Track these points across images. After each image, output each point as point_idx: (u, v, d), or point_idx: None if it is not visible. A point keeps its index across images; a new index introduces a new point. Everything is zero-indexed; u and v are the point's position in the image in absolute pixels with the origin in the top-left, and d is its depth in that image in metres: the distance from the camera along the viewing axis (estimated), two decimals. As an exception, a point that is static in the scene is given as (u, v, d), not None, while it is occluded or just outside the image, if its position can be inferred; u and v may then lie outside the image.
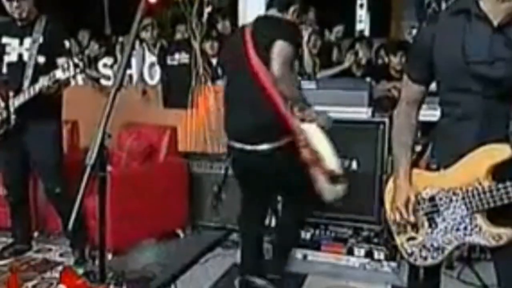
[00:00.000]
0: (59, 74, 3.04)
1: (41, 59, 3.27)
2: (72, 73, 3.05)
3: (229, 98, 3.05)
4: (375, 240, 3.72)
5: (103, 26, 6.40)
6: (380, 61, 4.97)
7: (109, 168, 4.24)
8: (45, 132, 3.37)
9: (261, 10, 4.54)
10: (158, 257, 3.86)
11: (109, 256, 3.66)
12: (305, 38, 4.50)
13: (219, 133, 4.88)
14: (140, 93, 5.20)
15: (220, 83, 4.96)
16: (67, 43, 3.32)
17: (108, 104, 1.84)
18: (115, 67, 5.28)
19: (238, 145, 2.96)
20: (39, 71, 3.21)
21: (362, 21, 8.60)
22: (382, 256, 3.61)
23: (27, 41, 3.27)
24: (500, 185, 1.69)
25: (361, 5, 8.63)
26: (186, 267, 3.74)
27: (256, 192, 3.18)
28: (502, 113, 1.69)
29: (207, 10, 8.00)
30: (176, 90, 4.94)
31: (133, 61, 5.27)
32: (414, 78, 1.92)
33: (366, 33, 8.39)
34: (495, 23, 1.67)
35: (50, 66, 3.20)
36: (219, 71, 4.99)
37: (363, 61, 4.99)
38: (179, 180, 4.27)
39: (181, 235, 4.29)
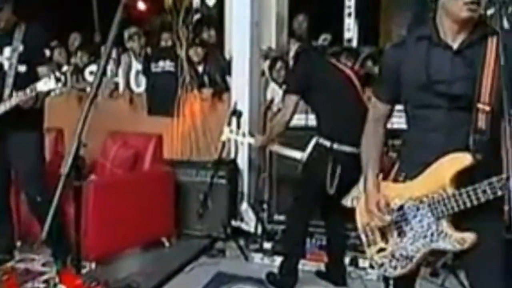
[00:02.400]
0: (40, 86, 3.01)
1: (22, 68, 3.23)
2: (53, 86, 3.01)
3: None
4: (360, 248, 3.71)
5: (93, 32, 6.40)
6: (365, 70, 4.99)
7: (92, 176, 4.25)
8: (26, 141, 3.34)
9: (246, 20, 4.59)
10: (143, 266, 3.85)
11: (93, 265, 3.63)
12: (292, 53, 4.50)
13: (205, 140, 4.89)
14: (126, 102, 5.18)
15: (206, 91, 4.97)
16: (47, 52, 3.29)
17: (83, 113, 1.83)
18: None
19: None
20: (20, 80, 3.18)
21: (350, 30, 8.65)
22: (367, 264, 3.61)
23: (7, 50, 3.23)
24: (463, 190, 1.77)
25: (349, 14, 8.67)
26: (171, 276, 3.73)
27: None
28: (464, 124, 1.80)
29: (196, 17, 8.05)
30: (162, 97, 4.94)
31: (120, 70, 5.26)
32: (383, 98, 2.07)
33: (354, 41, 8.42)
34: (455, 47, 1.83)
35: (32, 75, 3.18)
36: (205, 78, 5.01)
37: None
38: (164, 188, 4.24)
39: (166, 243, 4.27)
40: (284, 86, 4.46)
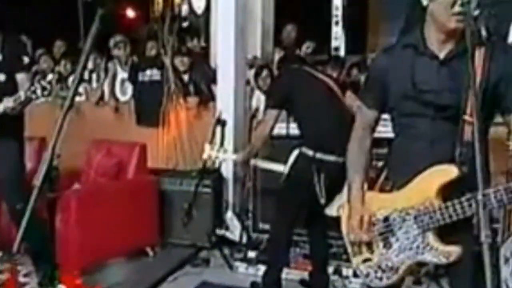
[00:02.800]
0: (24, 95, 2.99)
1: (1, 77, 3.22)
2: (39, 95, 3.00)
3: None
4: (344, 256, 3.72)
5: (78, 40, 6.38)
6: (351, 79, 5.02)
7: (76, 185, 4.22)
8: (5, 148, 3.31)
9: (231, 28, 4.60)
10: (127, 276, 3.83)
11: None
12: (276, 60, 4.54)
13: (190, 149, 4.88)
14: (112, 110, 5.17)
15: (192, 100, 4.97)
16: (25, 59, 3.28)
17: (57, 125, 1.81)
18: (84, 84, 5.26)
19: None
20: (0, 89, 3.17)
21: (338, 38, 8.69)
22: (350, 273, 3.61)
23: None
24: (449, 203, 1.75)
25: (336, 22, 8.72)
26: (155, 285, 3.71)
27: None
28: (449, 134, 1.78)
29: (184, 25, 8.06)
30: (148, 106, 4.93)
31: (105, 78, 5.25)
32: (369, 105, 2.04)
33: (342, 50, 8.46)
34: (441, 57, 1.82)
35: (11, 83, 3.16)
36: (191, 87, 5.01)
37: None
38: (148, 197, 4.22)
39: (150, 253, 4.24)
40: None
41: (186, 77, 5.00)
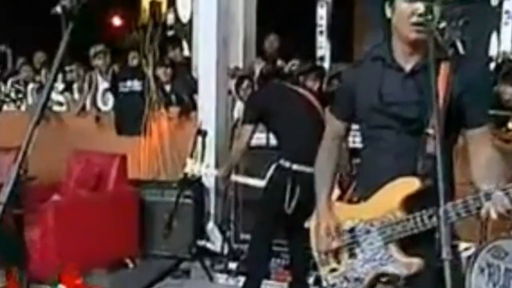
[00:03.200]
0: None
1: None
2: (18, 103, 3.00)
3: None
4: (324, 267, 3.72)
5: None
6: (331, 89, 5.03)
7: (55, 196, 4.19)
8: None
9: (212, 38, 4.61)
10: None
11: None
12: (257, 73, 4.58)
13: (172, 159, 4.87)
14: (93, 120, 5.14)
15: (173, 110, 4.96)
16: None
17: (25, 139, 1.79)
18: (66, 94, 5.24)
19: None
20: None
21: (323, 48, 8.73)
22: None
23: None
24: (410, 216, 1.77)
25: (321, 32, 8.76)
26: (135, 297, 3.69)
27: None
28: (414, 148, 1.79)
29: (170, 33, 8.07)
30: (129, 117, 4.91)
31: (85, 87, 5.23)
32: (338, 115, 2.05)
33: (327, 59, 8.50)
34: (407, 69, 1.82)
35: None
36: (173, 97, 5.00)
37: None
38: (128, 209, 4.21)
39: (130, 265, 4.21)
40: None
41: (168, 87, 4.99)
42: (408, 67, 1.81)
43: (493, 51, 7.11)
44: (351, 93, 1.94)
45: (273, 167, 3.35)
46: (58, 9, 1.85)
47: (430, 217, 1.72)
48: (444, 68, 1.77)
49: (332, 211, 2.01)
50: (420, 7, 1.69)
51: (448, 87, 1.75)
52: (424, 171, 1.75)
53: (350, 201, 2.01)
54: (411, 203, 1.78)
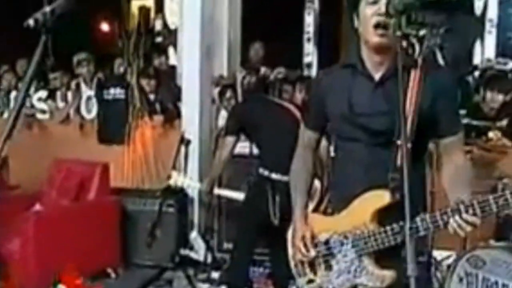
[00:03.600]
0: None
1: None
2: (1, 110, 2.97)
3: None
4: (306, 277, 3.71)
5: (45, 57, 6.31)
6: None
7: (37, 207, 4.16)
8: None
9: (196, 47, 4.60)
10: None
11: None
12: (238, 80, 4.60)
13: (156, 168, 4.85)
14: (77, 128, 5.12)
15: (157, 118, 4.94)
16: None
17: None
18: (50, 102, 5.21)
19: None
20: None
21: (310, 55, 8.75)
22: (312, 293, 3.60)
23: None
24: (381, 229, 1.77)
25: (308, 39, 8.78)
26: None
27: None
28: (384, 160, 1.76)
29: (158, 39, 8.03)
30: (113, 125, 4.89)
31: (69, 95, 5.20)
32: (309, 125, 2.03)
33: (314, 67, 8.51)
34: (376, 78, 1.78)
35: None
36: (157, 105, 4.99)
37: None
38: (110, 218, 4.17)
39: (112, 274, 4.18)
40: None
41: (152, 96, 4.98)
42: (377, 76, 1.78)
43: (477, 59, 7.22)
44: (321, 102, 1.91)
45: (252, 176, 3.37)
46: (31, 22, 1.83)
47: (399, 232, 1.72)
48: (414, 76, 1.75)
49: (308, 221, 2.00)
50: (381, 7, 1.67)
51: (418, 96, 1.73)
52: (394, 184, 1.73)
53: (325, 212, 2.02)
54: (383, 216, 1.78)
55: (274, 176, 3.20)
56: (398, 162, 1.73)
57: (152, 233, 4.28)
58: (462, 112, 3.67)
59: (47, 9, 2.02)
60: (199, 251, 4.43)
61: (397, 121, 1.70)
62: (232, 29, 5.08)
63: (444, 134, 1.81)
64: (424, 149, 1.88)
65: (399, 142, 1.72)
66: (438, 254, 3.62)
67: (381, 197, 1.76)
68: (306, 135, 2.05)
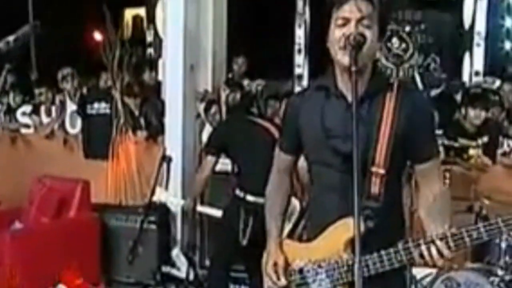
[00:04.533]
0: None
1: None
2: None
3: None
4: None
5: (29, 71, 6.31)
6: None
7: (17, 224, 4.14)
8: None
9: (179, 62, 4.59)
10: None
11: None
12: (223, 97, 4.63)
13: (139, 183, 4.83)
14: (60, 143, 5.11)
15: (140, 134, 4.93)
16: None
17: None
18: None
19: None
20: None
21: (300, 66, 8.76)
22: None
23: None
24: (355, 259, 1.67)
25: (299, 50, 8.79)
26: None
27: None
28: (359, 187, 1.66)
29: (150, 50, 7.98)
30: (96, 140, 4.88)
31: (53, 110, 5.20)
32: (284, 148, 1.96)
33: (305, 78, 8.51)
34: (350, 99, 1.71)
35: None
36: (141, 120, 4.98)
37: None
38: (90, 236, 4.15)
39: (93, 292, 4.15)
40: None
41: (136, 111, 4.96)
42: (351, 97, 1.69)
43: (465, 71, 7.25)
44: (295, 125, 1.85)
45: (229, 196, 3.38)
46: (-7, 51, 1.83)
47: (374, 263, 1.68)
48: (389, 99, 1.71)
49: (282, 248, 1.94)
50: (351, 28, 1.63)
51: (393, 120, 1.69)
52: (367, 213, 1.67)
53: (300, 239, 1.96)
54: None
55: (249, 198, 3.20)
56: (372, 190, 1.69)
57: (133, 250, 4.26)
58: (439, 132, 3.68)
59: (10, 38, 2.01)
60: (181, 268, 4.39)
61: (370, 146, 1.68)
62: (217, 43, 5.07)
63: (419, 159, 1.76)
64: (399, 176, 1.82)
65: (373, 169, 1.69)
66: (417, 272, 3.61)
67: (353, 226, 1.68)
68: (280, 158, 1.98)
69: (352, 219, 1.64)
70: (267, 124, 3.53)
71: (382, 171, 1.69)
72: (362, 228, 1.65)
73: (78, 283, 3.53)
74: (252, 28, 7.68)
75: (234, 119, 3.78)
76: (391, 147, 1.68)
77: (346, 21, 1.65)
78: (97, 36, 8.92)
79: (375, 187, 1.69)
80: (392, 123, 1.68)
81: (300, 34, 8.38)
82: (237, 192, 3.29)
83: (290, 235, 2.04)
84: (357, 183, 1.54)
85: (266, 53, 7.43)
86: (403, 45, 6.21)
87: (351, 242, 1.70)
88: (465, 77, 7.23)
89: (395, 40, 6.24)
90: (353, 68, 1.59)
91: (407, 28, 6.28)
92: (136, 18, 11.06)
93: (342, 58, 1.65)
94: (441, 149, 3.74)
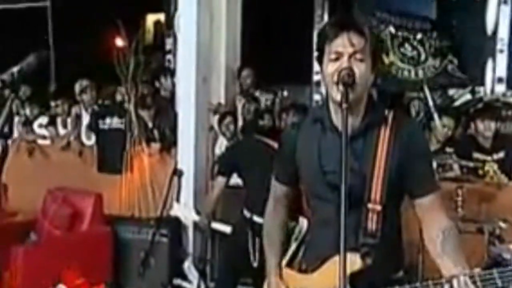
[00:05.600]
0: None
1: None
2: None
3: None
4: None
5: (47, 83, 6.42)
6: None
7: (32, 235, 4.22)
8: None
9: (191, 75, 4.60)
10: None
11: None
12: (239, 108, 4.65)
13: (153, 195, 4.86)
14: (76, 154, 5.18)
15: (154, 145, 4.96)
16: None
17: None
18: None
19: None
20: None
21: (319, 72, 8.69)
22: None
23: None
24: None
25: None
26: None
27: None
28: (354, 224, 1.66)
29: (169, 57, 7.97)
30: (109, 154, 4.94)
31: (69, 122, 5.28)
32: (280, 179, 1.94)
33: (323, 84, 8.45)
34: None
35: None
36: (155, 132, 5.01)
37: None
38: (103, 248, 4.19)
39: (104, 304, 4.19)
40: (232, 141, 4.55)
41: (150, 123, 5.00)
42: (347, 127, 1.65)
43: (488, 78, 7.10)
44: (291, 157, 1.83)
45: (237, 216, 3.40)
46: (-2, 83, 1.86)
47: None
48: (383, 133, 1.68)
49: (282, 279, 1.92)
50: (343, 63, 1.61)
51: (388, 155, 1.66)
52: (365, 250, 1.65)
53: (300, 268, 1.91)
54: (354, 280, 1.66)
55: (256, 219, 3.20)
56: (369, 226, 1.66)
57: (145, 262, 4.29)
58: (451, 150, 3.60)
59: (14, 69, 2.03)
60: (192, 280, 4.41)
61: (366, 181, 1.66)
62: (230, 55, 5.06)
63: (419, 193, 1.71)
64: (397, 212, 1.78)
65: (370, 205, 1.66)
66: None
67: (352, 262, 1.65)
68: (277, 188, 1.96)
69: (350, 255, 1.62)
70: (276, 144, 3.52)
71: (378, 207, 1.66)
72: (360, 265, 1.66)
73: (78, 283, 3.55)
74: (267, 36, 7.63)
75: (243, 139, 3.92)
76: (386, 182, 1.65)
77: (339, 55, 1.63)
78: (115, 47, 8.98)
79: (372, 224, 1.67)
80: (387, 158, 1.65)
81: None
82: (245, 212, 3.31)
83: (291, 262, 1.99)
84: (344, 218, 1.51)
85: (283, 60, 7.38)
86: (415, 52, 6.16)
87: (350, 277, 1.64)
88: (488, 84, 7.11)
89: (407, 45, 6.19)
90: (344, 106, 1.57)
91: (419, 36, 6.19)
92: (157, 24, 11.13)
93: (335, 94, 1.62)
94: (455, 166, 3.68)
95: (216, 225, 3.86)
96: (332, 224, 1.69)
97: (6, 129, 4.62)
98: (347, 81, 1.58)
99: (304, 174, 1.82)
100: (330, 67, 1.63)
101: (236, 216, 3.75)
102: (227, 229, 3.65)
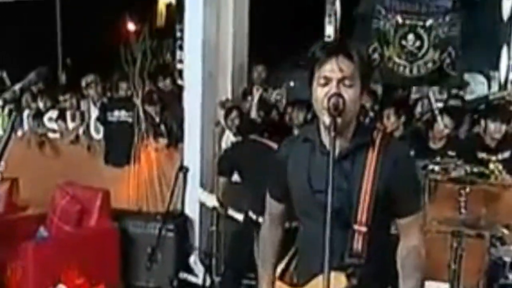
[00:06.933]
0: None
1: None
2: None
3: None
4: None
5: (57, 76, 6.47)
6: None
7: (42, 230, 4.30)
8: None
9: (197, 70, 4.60)
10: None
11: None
12: (256, 98, 4.65)
13: (160, 190, 4.92)
14: (85, 148, 5.25)
15: (162, 140, 5.01)
16: None
17: None
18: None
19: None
20: None
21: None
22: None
23: None
24: None
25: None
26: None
27: None
28: (341, 243, 1.69)
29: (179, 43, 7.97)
30: (117, 146, 4.98)
31: (78, 116, 5.34)
32: (274, 195, 1.97)
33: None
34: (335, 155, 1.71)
35: None
36: (162, 127, 5.05)
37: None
38: (110, 244, 4.27)
39: (112, 299, 4.28)
40: (237, 136, 4.57)
41: (157, 118, 5.04)
42: (335, 153, 1.66)
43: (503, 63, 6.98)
44: (283, 175, 1.86)
45: (243, 217, 3.44)
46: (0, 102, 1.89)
47: None
48: (371, 154, 1.70)
49: None
50: (332, 88, 1.62)
51: (374, 176, 1.68)
52: (350, 270, 1.69)
53: (291, 283, 1.95)
54: None
55: (261, 220, 3.22)
56: (355, 246, 1.69)
57: (152, 256, 4.37)
58: (453, 153, 3.58)
59: (17, 87, 2.05)
60: (198, 274, 4.49)
61: (353, 202, 1.68)
62: (237, 50, 5.04)
63: (401, 214, 1.76)
64: (386, 231, 1.82)
65: (356, 227, 1.69)
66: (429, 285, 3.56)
67: (338, 280, 1.68)
68: (271, 204, 1.99)
69: (336, 274, 1.66)
70: (272, 144, 3.54)
71: (363, 229, 1.68)
72: (346, 284, 1.69)
73: (78, 283, 3.61)
74: (276, 29, 7.61)
75: (241, 141, 3.91)
76: (372, 204, 1.68)
77: (328, 80, 1.64)
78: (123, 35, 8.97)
79: (358, 244, 1.69)
80: (374, 179, 1.68)
81: (330, 31, 8.24)
82: (250, 214, 3.34)
83: (283, 275, 2.02)
84: (329, 238, 1.53)
85: (292, 54, 7.35)
86: (418, 43, 6.08)
87: None
88: (502, 70, 7.01)
89: (411, 37, 6.11)
90: (332, 134, 1.59)
91: (429, 21, 6.10)
92: (169, 7, 11.06)
93: (324, 118, 1.64)
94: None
95: (232, 212, 3.90)
96: (320, 242, 1.68)
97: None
98: (335, 113, 1.60)
99: (294, 192, 1.84)
100: (319, 92, 1.65)
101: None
102: (240, 216, 3.70)
